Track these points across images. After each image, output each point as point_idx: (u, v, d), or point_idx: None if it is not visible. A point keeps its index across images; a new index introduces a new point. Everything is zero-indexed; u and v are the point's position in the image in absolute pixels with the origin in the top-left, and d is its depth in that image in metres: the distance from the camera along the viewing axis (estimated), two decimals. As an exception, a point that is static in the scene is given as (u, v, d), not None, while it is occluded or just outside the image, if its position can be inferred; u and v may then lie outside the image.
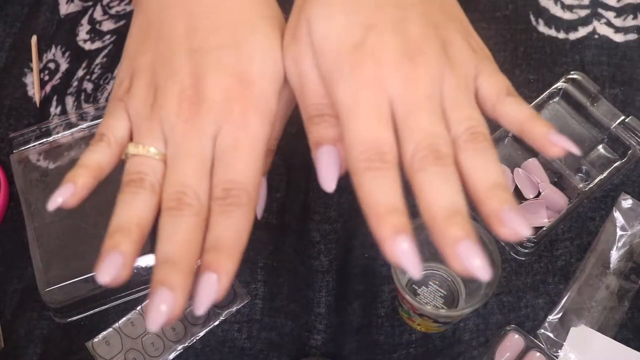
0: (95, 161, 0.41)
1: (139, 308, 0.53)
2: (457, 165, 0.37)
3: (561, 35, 0.62)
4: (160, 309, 0.36)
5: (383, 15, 0.40)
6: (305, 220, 0.56)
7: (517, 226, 0.35)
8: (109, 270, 0.37)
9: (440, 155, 0.36)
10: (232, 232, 0.38)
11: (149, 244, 0.53)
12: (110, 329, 0.53)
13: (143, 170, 0.40)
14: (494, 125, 0.60)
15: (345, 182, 0.57)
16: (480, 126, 0.38)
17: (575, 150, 0.38)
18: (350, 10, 0.40)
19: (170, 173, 0.40)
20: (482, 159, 0.37)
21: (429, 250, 0.51)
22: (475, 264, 0.34)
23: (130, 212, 0.39)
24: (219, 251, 0.38)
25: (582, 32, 0.62)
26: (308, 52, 0.41)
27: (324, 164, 0.40)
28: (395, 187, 0.36)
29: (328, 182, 0.40)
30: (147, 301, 0.37)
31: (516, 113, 0.39)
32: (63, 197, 0.40)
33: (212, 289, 0.37)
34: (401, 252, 0.35)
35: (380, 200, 0.36)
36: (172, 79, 0.41)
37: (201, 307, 0.37)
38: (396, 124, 0.38)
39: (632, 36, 0.62)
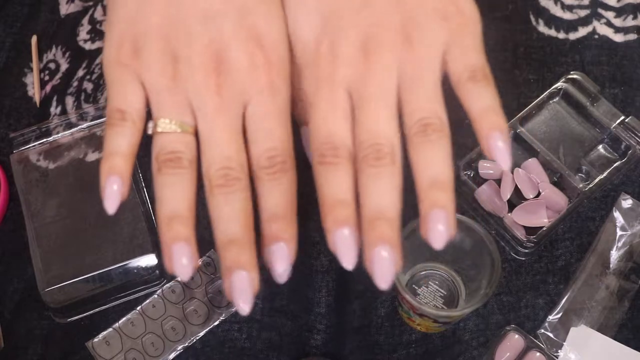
0: (126, 145, 0.39)
1: (139, 308, 0.53)
2: (409, 158, 0.37)
3: (561, 35, 0.62)
4: (245, 292, 0.37)
5: (346, 2, 0.40)
6: (305, 221, 0.56)
7: (438, 234, 0.35)
8: (181, 262, 0.37)
9: (379, 156, 0.37)
10: (286, 198, 0.39)
11: (149, 243, 0.53)
12: (110, 329, 0.53)
13: (178, 148, 0.39)
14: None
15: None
16: (432, 118, 0.37)
17: (505, 167, 0.37)
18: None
19: (209, 148, 0.39)
20: (426, 153, 0.37)
21: (429, 250, 0.51)
22: (384, 275, 0.35)
23: (178, 195, 0.38)
24: (279, 220, 0.38)
25: (582, 32, 0.62)
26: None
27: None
28: (343, 180, 0.37)
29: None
30: (218, 283, 0.39)
31: (472, 103, 0.38)
32: (115, 197, 0.38)
33: (285, 258, 0.37)
34: (340, 242, 0.36)
35: (328, 193, 0.37)
36: (193, 48, 0.39)
37: (283, 277, 0.38)
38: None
39: (632, 36, 0.62)
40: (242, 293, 0.37)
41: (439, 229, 0.35)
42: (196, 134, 0.40)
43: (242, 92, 0.39)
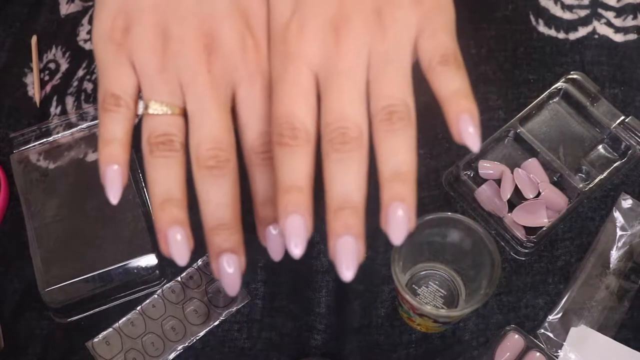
0: (122, 131, 0.39)
1: (139, 308, 0.53)
2: (374, 145, 0.36)
3: (561, 35, 0.62)
4: (234, 275, 0.37)
5: None
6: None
7: (397, 227, 0.35)
8: (177, 245, 0.37)
9: (345, 140, 0.35)
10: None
11: (149, 243, 0.53)
12: (110, 329, 0.53)
13: (170, 130, 0.38)
14: (494, 126, 0.60)
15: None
16: (399, 105, 0.36)
17: (474, 149, 0.36)
18: None
19: (199, 127, 0.38)
20: (390, 142, 0.36)
21: (429, 250, 0.52)
22: (348, 265, 0.35)
23: (171, 178, 0.38)
24: (270, 205, 0.38)
25: (582, 32, 0.62)
26: None
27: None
28: (300, 164, 0.36)
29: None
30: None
31: (442, 86, 0.37)
32: (117, 185, 0.38)
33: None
34: (288, 229, 0.35)
35: (283, 176, 0.36)
36: (185, 26, 0.39)
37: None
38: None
39: (632, 36, 0.62)
40: (232, 277, 0.37)
41: (398, 221, 0.35)
42: (185, 116, 0.39)
43: (232, 72, 0.39)
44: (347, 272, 0.35)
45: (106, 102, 0.39)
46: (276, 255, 0.40)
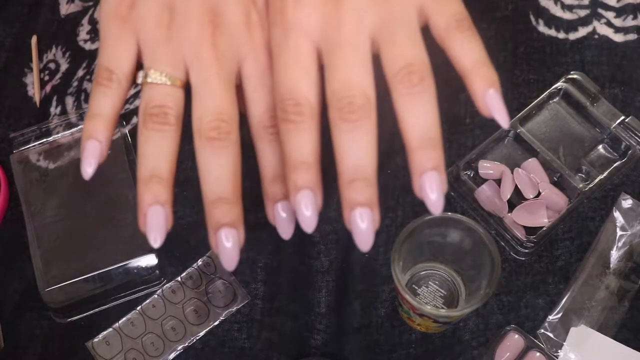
0: (109, 107, 0.39)
1: (139, 308, 0.53)
2: (393, 105, 0.36)
3: (561, 35, 0.62)
4: (233, 249, 0.37)
5: None
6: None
7: (431, 193, 0.35)
8: (156, 224, 0.37)
9: (353, 109, 0.35)
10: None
11: (149, 243, 0.53)
12: (110, 329, 0.53)
13: (166, 102, 0.38)
14: (494, 125, 0.61)
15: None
16: (417, 64, 0.35)
17: (504, 124, 0.36)
18: None
19: (201, 98, 0.38)
20: (413, 105, 0.35)
21: (429, 250, 0.52)
22: (366, 238, 0.35)
23: (161, 153, 0.38)
24: (279, 181, 0.38)
25: (582, 32, 0.62)
26: None
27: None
28: (307, 140, 0.36)
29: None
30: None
31: (463, 56, 0.37)
32: (93, 159, 0.38)
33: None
34: (299, 206, 0.35)
35: (291, 154, 0.36)
36: (190, 1, 0.39)
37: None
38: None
39: (632, 36, 0.62)
40: (230, 251, 0.37)
41: (433, 194, 0.35)
42: (186, 90, 0.39)
43: (237, 47, 0.39)
44: (365, 245, 0.35)
45: (99, 76, 0.39)
46: (285, 234, 0.39)
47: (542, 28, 0.62)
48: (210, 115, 0.37)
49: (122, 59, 0.39)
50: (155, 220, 0.37)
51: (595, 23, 0.62)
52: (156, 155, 0.37)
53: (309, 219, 0.36)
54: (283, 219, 0.39)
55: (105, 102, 0.39)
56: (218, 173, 0.37)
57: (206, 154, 0.37)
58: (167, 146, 0.38)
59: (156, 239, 0.37)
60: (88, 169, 0.38)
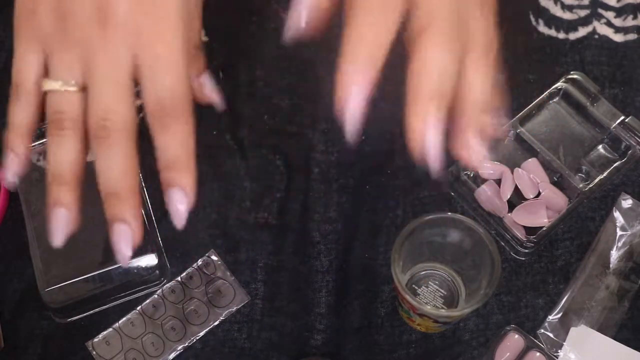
0: (24, 120, 0.41)
1: (139, 308, 0.53)
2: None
3: (561, 35, 0.62)
4: (126, 242, 0.40)
5: None
6: (305, 220, 0.56)
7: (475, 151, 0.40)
8: (58, 226, 0.40)
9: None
10: (178, 146, 0.39)
11: (149, 243, 0.53)
12: (110, 329, 0.53)
13: (62, 108, 0.40)
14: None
15: (346, 181, 0.57)
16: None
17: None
18: None
19: (90, 101, 0.39)
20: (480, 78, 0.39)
21: (429, 250, 0.52)
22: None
23: (62, 158, 0.40)
24: (175, 168, 0.40)
25: (582, 32, 0.62)
26: None
27: None
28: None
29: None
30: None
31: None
32: (15, 171, 0.41)
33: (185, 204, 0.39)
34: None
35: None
36: (78, 2, 0.40)
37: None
38: None
39: (632, 36, 0.62)
40: (123, 248, 0.40)
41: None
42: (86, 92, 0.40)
43: (128, 42, 0.39)
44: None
45: (12, 93, 0.41)
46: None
47: (542, 28, 0.62)
48: (97, 115, 0.39)
49: (27, 71, 0.41)
50: (56, 222, 0.40)
51: (595, 23, 0.62)
52: (57, 159, 0.40)
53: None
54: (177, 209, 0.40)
55: (19, 116, 0.41)
56: (111, 170, 0.39)
57: (97, 153, 0.39)
58: (68, 150, 0.40)
59: (58, 240, 0.40)
60: (10, 180, 0.41)
